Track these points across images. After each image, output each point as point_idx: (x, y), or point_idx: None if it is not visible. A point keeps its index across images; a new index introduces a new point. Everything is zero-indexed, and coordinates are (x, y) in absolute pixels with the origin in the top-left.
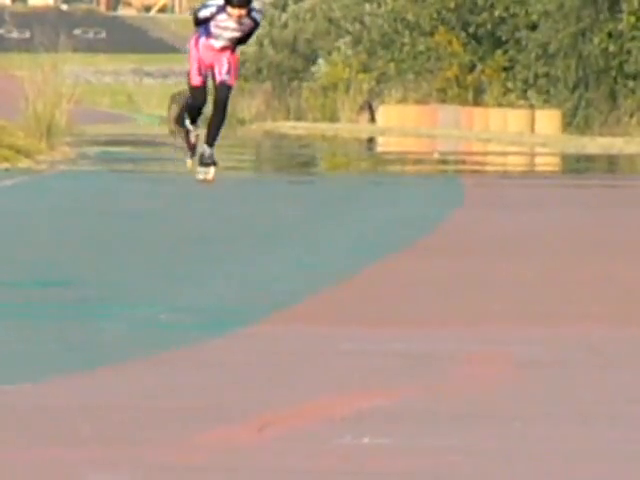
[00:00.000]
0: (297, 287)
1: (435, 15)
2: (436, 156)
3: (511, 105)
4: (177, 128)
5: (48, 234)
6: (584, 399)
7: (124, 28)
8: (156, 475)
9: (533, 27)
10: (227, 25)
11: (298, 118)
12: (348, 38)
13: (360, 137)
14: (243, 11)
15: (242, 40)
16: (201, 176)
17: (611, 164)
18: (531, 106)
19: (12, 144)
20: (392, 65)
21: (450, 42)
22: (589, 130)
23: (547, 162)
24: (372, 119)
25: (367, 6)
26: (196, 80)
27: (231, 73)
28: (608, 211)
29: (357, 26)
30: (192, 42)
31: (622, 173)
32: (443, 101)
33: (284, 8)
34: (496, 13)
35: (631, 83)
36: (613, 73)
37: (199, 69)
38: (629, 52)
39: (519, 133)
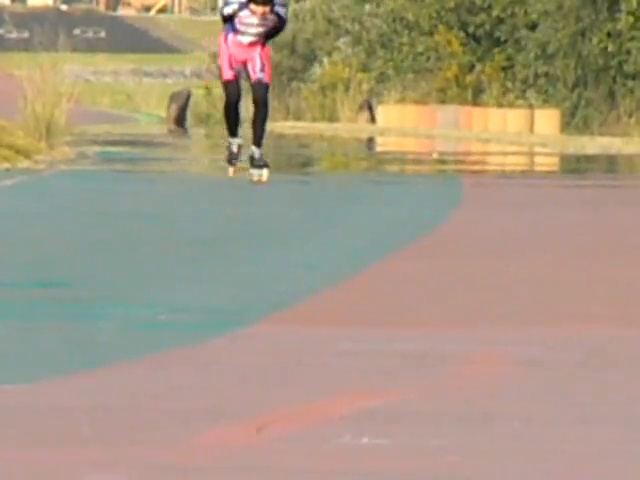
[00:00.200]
0: (297, 287)
1: (434, 15)
2: (435, 156)
3: (510, 105)
4: (175, 128)
5: (47, 234)
6: (584, 399)
7: (123, 28)
8: (155, 475)
9: (532, 27)
10: (251, 21)
11: (297, 118)
12: (347, 38)
13: (359, 137)
14: (267, 8)
15: (271, 34)
16: (255, 178)
17: (610, 164)
18: (530, 106)
19: (11, 144)
20: (391, 65)
21: (449, 42)
22: (588, 130)
23: (546, 162)
24: (372, 119)
25: (366, 6)
26: (228, 74)
27: (265, 69)
28: (607, 211)
29: (356, 26)
30: (222, 39)
31: (621, 173)
32: (442, 101)
33: None
34: (494, 14)
35: (630, 83)
36: (612, 73)
37: (230, 64)
38: (628, 52)
39: (518, 133)
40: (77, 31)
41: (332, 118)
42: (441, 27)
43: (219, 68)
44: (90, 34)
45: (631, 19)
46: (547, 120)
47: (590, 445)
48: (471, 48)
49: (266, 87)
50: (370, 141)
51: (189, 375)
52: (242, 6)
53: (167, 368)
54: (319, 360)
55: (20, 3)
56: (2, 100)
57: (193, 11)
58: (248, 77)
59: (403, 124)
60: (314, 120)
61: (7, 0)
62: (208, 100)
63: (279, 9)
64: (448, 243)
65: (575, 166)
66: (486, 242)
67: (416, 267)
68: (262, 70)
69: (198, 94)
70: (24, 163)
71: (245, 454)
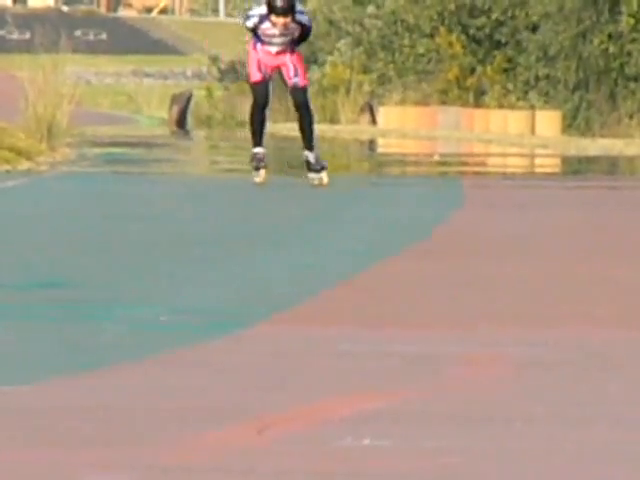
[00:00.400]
0: (297, 288)
1: (435, 17)
2: (436, 157)
3: (511, 107)
4: (177, 129)
5: (49, 235)
6: (584, 400)
7: (125, 29)
8: (155, 476)
9: (533, 29)
10: (273, 32)
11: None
12: (347, 40)
13: (360, 138)
14: (288, 18)
15: (298, 41)
16: (315, 182)
17: (612, 165)
18: (531, 107)
19: (13, 145)
20: (392, 67)
21: (451, 44)
22: (590, 131)
23: (547, 163)
24: (373, 121)
25: (368, 8)
26: (256, 76)
27: (299, 73)
28: (609, 212)
29: (357, 28)
30: (250, 46)
31: (623, 175)
32: (444, 103)
33: None
34: (493, 16)
35: (632, 85)
36: (614, 75)
37: (258, 67)
38: (629, 54)
39: (519, 134)
40: (78, 32)
41: (333, 120)
42: (442, 29)
43: (247, 73)
44: (91, 35)
45: (632, 21)
46: (548, 122)
47: (590, 445)
48: (472, 50)
49: (303, 90)
50: (371, 143)
51: (189, 375)
52: (263, 18)
53: (167, 369)
54: (319, 361)
55: (21, 4)
56: (3, 101)
57: (194, 12)
58: (285, 85)
59: (404, 126)
60: (315, 121)
61: (9, 1)
62: (209, 102)
63: (301, 17)
64: (449, 244)
65: (576, 167)
66: (487, 243)
67: (417, 268)
68: (296, 75)
69: (199, 96)
70: (25, 165)
71: (246, 455)
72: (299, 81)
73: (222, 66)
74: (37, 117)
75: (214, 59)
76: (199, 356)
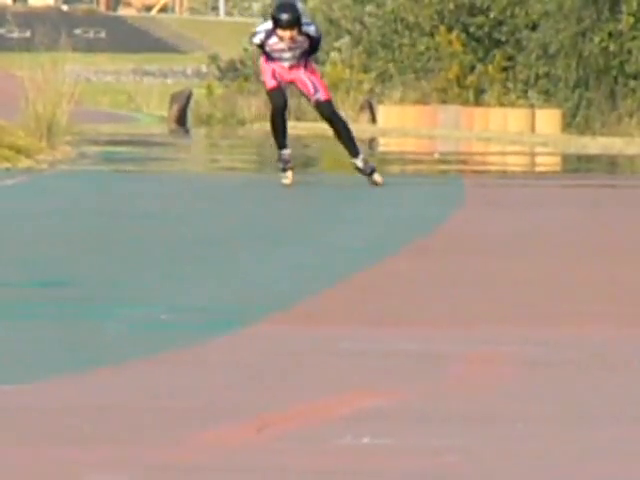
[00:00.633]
0: (297, 287)
1: (435, 16)
2: (437, 156)
3: (511, 105)
4: (176, 128)
5: (48, 234)
6: (585, 400)
7: (124, 28)
8: (156, 475)
9: (533, 27)
10: (282, 47)
11: (298, 118)
12: (346, 39)
13: (361, 137)
14: (294, 31)
15: (309, 53)
16: (370, 184)
17: (611, 164)
18: (531, 106)
19: (12, 144)
20: (392, 65)
21: (450, 42)
22: (589, 130)
23: (547, 162)
24: (372, 119)
25: (368, 7)
26: (271, 83)
27: (319, 88)
28: (609, 211)
29: (357, 26)
30: (263, 60)
31: (622, 173)
32: (444, 101)
33: None
34: (491, 15)
35: (632, 83)
36: (614, 73)
37: (273, 75)
38: (629, 52)
39: (519, 133)
40: (78, 31)
41: None
42: (442, 28)
43: (263, 82)
44: (91, 34)
45: (632, 19)
46: (548, 120)
47: (590, 445)
48: (472, 48)
49: (328, 103)
50: (371, 141)
51: (189, 375)
52: (269, 34)
53: (167, 367)
54: (319, 360)
55: (21, 3)
56: (3, 100)
57: (194, 11)
58: (307, 99)
59: (404, 124)
60: (315, 120)
61: (9, 0)
62: (209, 100)
63: (307, 28)
64: (449, 243)
65: (576, 166)
66: (487, 242)
67: (417, 267)
68: (316, 90)
69: (199, 94)
70: (25, 163)
71: (245, 454)
72: (321, 96)
73: (222, 64)
74: (37, 115)
75: (214, 57)
76: (199, 355)
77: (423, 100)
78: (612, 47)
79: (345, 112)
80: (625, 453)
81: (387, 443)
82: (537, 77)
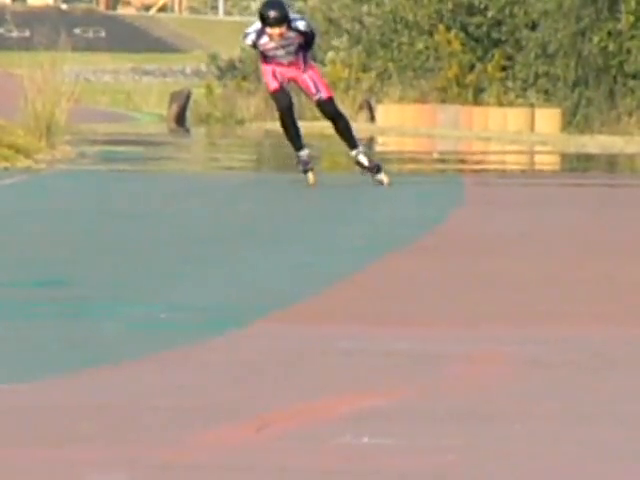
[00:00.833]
0: (297, 287)
1: (434, 16)
2: (436, 155)
3: (511, 104)
4: (176, 127)
5: (47, 233)
6: (584, 399)
7: (123, 27)
8: (156, 475)
9: (533, 26)
10: (274, 46)
11: (297, 117)
12: (344, 38)
13: (360, 136)
14: (283, 28)
15: (304, 48)
16: (377, 183)
17: (611, 163)
18: (531, 105)
19: (11, 143)
20: (391, 64)
21: (449, 42)
22: (589, 129)
23: (547, 161)
24: (371, 118)
25: (366, 6)
26: (273, 85)
27: (320, 87)
28: (608, 210)
29: (356, 26)
30: (261, 60)
31: (622, 172)
32: (443, 100)
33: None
34: (489, 14)
35: (631, 82)
36: (613, 72)
37: (274, 75)
38: (629, 51)
39: (519, 132)
40: (77, 30)
41: None
42: (441, 27)
43: (265, 84)
44: (90, 33)
45: (631, 18)
46: (548, 119)
47: (590, 445)
48: (471, 48)
49: (330, 101)
50: (371, 140)
51: (189, 374)
52: (260, 33)
53: (167, 367)
54: (319, 359)
55: (20, 2)
56: (2, 99)
57: (193, 10)
58: (308, 97)
59: (403, 123)
60: (314, 119)
61: None
62: (209, 99)
63: (296, 24)
64: (449, 242)
65: (576, 165)
66: (487, 241)
67: (417, 266)
68: (317, 90)
69: (198, 93)
70: (24, 162)
71: (245, 453)
72: (323, 95)
73: (221, 64)
74: (36, 115)
75: (213, 57)
76: (199, 354)
77: (422, 99)
78: (611, 46)
79: (344, 111)
80: (625, 453)
81: (387, 443)
82: (536, 76)
